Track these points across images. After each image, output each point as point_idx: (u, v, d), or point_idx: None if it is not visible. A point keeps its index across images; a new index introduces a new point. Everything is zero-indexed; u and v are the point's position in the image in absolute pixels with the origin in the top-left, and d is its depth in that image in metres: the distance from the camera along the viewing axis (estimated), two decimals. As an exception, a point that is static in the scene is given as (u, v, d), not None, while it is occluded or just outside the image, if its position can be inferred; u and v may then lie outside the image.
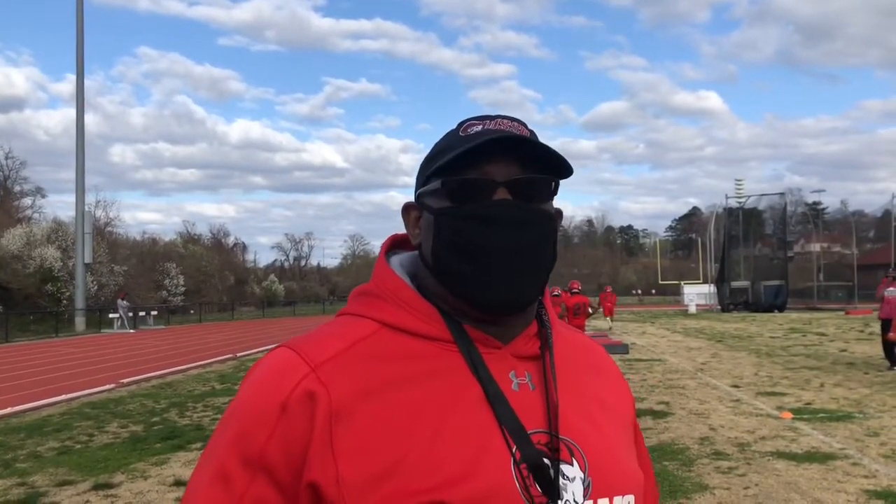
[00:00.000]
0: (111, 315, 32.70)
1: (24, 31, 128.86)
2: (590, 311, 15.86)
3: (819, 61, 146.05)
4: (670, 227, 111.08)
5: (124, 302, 33.44)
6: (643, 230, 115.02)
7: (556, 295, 16.44)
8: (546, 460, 0.84)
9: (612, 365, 1.05)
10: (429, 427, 0.82)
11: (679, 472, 6.29)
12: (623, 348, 18.06)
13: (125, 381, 13.46)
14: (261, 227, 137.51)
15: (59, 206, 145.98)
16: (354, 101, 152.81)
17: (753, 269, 46.42)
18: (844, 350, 17.44)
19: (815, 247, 57.04)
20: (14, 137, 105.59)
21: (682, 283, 61.34)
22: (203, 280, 56.09)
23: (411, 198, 0.98)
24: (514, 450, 0.83)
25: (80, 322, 33.02)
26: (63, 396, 11.45)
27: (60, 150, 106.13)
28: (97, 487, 6.20)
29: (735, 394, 10.80)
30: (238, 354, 19.10)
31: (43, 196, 64.76)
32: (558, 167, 0.91)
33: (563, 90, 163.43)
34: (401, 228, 1.01)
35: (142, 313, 35.78)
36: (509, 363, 0.89)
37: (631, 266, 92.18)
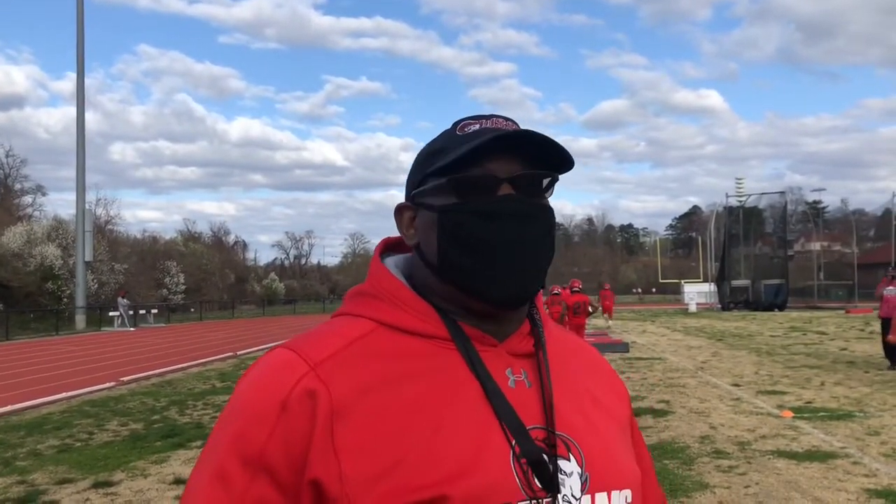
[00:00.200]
0: (111, 313, 32.73)
1: (25, 29, 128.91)
2: (590, 309, 15.86)
3: (820, 59, 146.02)
4: (671, 226, 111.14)
5: (125, 300, 33.45)
6: (643, 229, 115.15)
7: (556, 294, 16.45)
8: (545, 456, 0.85)
9: (606, 365, 1.07)
10: (428, 423, 0.83)
11: (679, 471, 6.29)
12: (623, 347, 18.06)
13: (125, 379, 13.47)
14: (261, 226, 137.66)
15: (60, 204, 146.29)
16: (355, 99, 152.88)
17: (754, 267, 46.39)
18: (845, 349, 17.44)
19: (816, 245, 57.01)
20: (14, 135, 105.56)
21: (683, 281, 61.34)
22: (203, 278, 56.09)
23: None
24: (513, 445, 0.84)
25: (80, 320, 33.02)
26: (63, 394, 11.45)
27: (61, 148, 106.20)
28: (97, 485, 6.20)
29: (735, 392, 10.79)
30: (238, 353, 19.10)
31: (43, 194, 64.70)
32: (558, 162, 0.93)
33: (563, 88, 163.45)
34: None
35: (142, 311, 35.80)
36: (505, 360, 0.91)
37: (631, 265, 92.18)
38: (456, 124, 0.95)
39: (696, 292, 50.97)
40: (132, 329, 31.54)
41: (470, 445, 0.82)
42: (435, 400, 0.85)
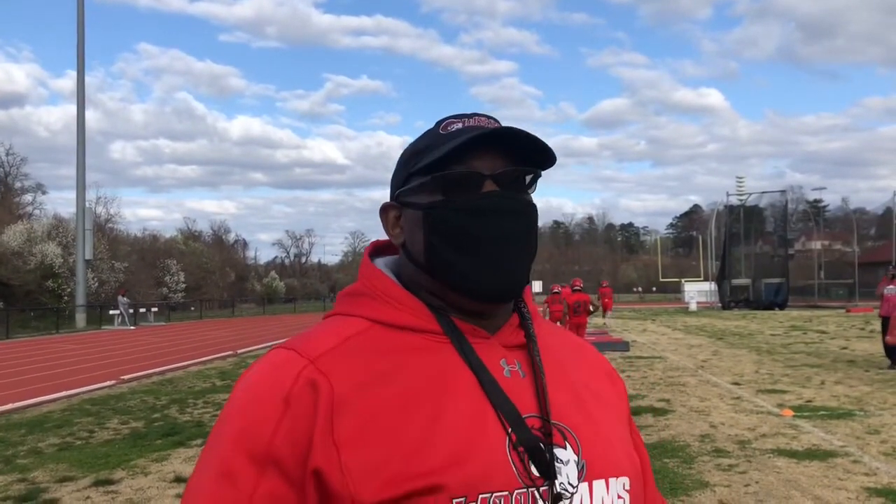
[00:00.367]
0: (112, 311, 32.74)
1: (25, 28, 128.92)
2: (591, 308, 15.85)
3: (820, 58, 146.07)
4: (671, 225, 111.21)
5: (125, 298, 33.44)
6: (644, 227, 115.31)
7: (556, 292, 16.46)
8: (541, 444, 0.86)
9: (601, 358, 1.08)
10: (425, 414, 0.84)
11: (679, 470, 6.29)
12: (624, 346, 18.06)
13: (126, 377, 13.47)
14: (261, 224, 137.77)
15: (60, 202, 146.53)
16: (355, 97, 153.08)
17: (754, 266, 46.41)
18: (845, 348, 17.43)
19: (816, 244, 57.01)
20: (15, 134, 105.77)
21: (683, 280, 61.37)
22: (204, 277, 56.08)
23: None
24: (509, 433, 0.85)
25: (80, 318, 33.04)
26: (63, 393, 11.46)
27: (61, 147, 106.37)
28: (98, 484, 6.20)
29: (736, 391, 10.80)
30: (238, 351, 19.11)
31: (43, 192, 64.70)
32: (541, 159, 0.95)
33: (564, 87, 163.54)
34: None
35: (142, 310, 35.80)
36: (499, 352, 0.92)
37: (631, 263, 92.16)
38: (439, 123, 0.96)
39: (697, 291, 51.02)
40: (132, 327, 31.54)
41: (466, 435, 0.83)
42: (431, 392, 0.85)
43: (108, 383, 12.66)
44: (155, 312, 36.77)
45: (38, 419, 9.32)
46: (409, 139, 1.00)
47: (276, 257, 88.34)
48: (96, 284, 37.65)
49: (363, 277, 0.98)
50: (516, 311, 0.99)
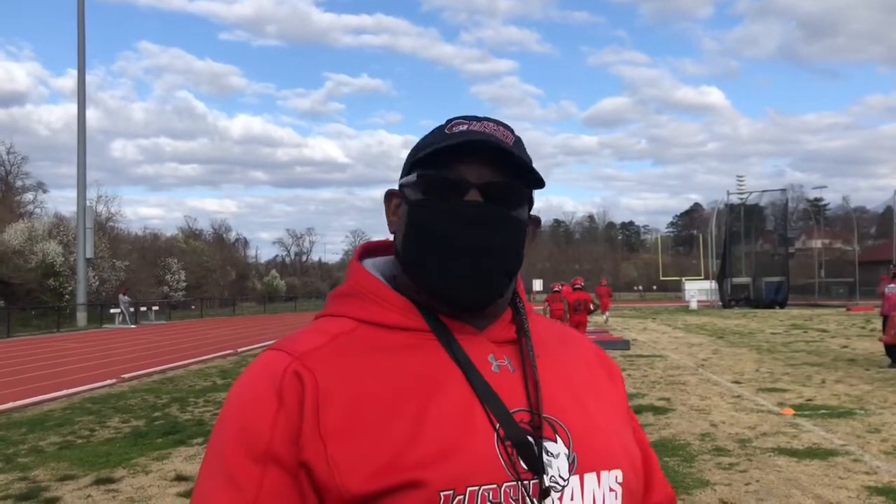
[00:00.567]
0: (112, 310, 32.72)
1: (26, 26, 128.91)
2: (591, 307, 15.85)
3: (821, 57, 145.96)
4: (671, 224, 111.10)
5: (126, 297, 33.44)
6: (644, 226, 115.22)
7: (556, 291, 16.44)
8: (529, 438, 0.86)
9: (594, 348, 1.08)
10: (412, 409, 0.84)
11: (680, 468, 6.29)
12: (624, 344, 18.06)
13: (126, 376, 13.47)
14: (262, 223, 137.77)
15: (61, 201, 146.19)
16: (355, 96, 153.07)
17: (754, 265, 46.39)
18: (846, 346, 17.43)
19: (817, 243, 57.04)
20: (15, 132, 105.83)
21: (684, 279, 61.34)
22: (204, 275, 56.09)
23: None
24: (497, 428, 0.85)
25: (81, 317, 33.05)
26: (64, 391, 11.46)
27: (62, 146, 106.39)
28: (98, 482, 6.21)
29: (736, 390, 10.79)
30: (239, 350, 19.11)
31: (44, 191, 64.88)
32: (532, 177, 0.94)
33: (564, 86, 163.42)
34: None
35: (143, 308, 35.77)
36: (487, 347, 0.92)
37: (632, 262, 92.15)
38: (448, 122, 0.97)
39: (697, 290, 51.00)
40: (133, 326, 31.55)
41: (454, 430, 0.83)
42: (418, 388, 0.86)
43: (108, 382, 12.66)
44: (156, 311, 36.78)
45: (38, 418, 9.33)
46: (410, 138, 1.02)
47: (276, 256, 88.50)
48: (97, 283, 37.67)
49: (350, 278, 0.99)
50: (511, 305, 0.99)
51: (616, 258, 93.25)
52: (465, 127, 0.94)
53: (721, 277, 46.30)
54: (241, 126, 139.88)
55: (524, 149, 0.97)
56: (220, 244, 69.06)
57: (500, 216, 0.91)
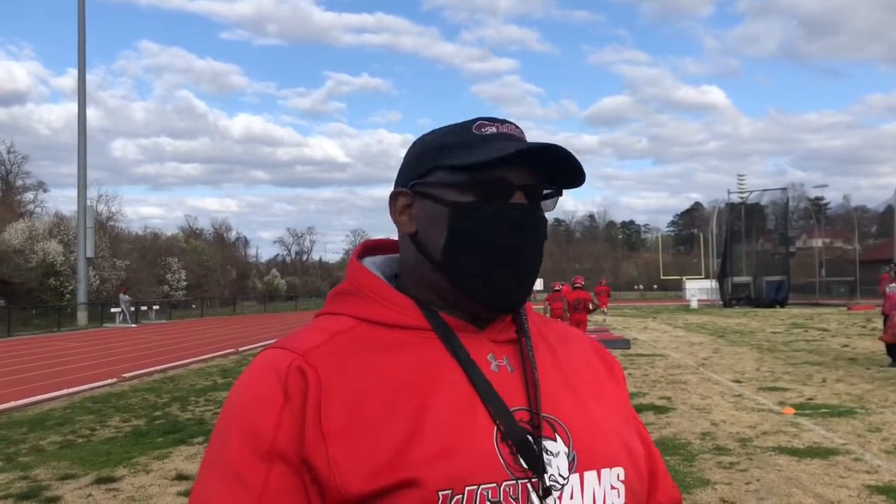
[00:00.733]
0: (113, 309, 32.73)
1: (26, 26, 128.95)
2: (590, 306, 15.86)
3: (822, 56, 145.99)
4: (672, 223, 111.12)
5: (126, 296, 33.46)
6: (645, 225, 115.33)
7: (557, 290, 16.44)
8: (529, 437, 0.86)
9: (594, 345, 1.08)
10: (412, 408, 0.84)
11: (681, 468, 6.29)
12: (625, 343, 18.06)
13: (127, 375, 13.47)
14: (262, 222, 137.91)
15: (61, 200, 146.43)
16: (356, 95, 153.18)
17: (755, 264, 46.40)
18: (846, 346, 17.42)
19: (817, 242, 57.06)
20: (16, 132, 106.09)
21: (684, 278, 61.35)
22: (205, 275, 56.10)
23: None
24: (497, 426, 0.85)
25: (82, 316, 33.06)
26: (65, 390, 11.46)
27: (62, 145, 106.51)
28: (99, 481, 6.21)
29: (737, 389, 10.79)
30: (240, 349, 19.12)
31: (45, 190, 64.84)
32: (566, 179, 0.95)
33: (565, 85, 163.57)
34: None
35: (144, 308, 35.80)
36: (487, 347, 0.92)
37: (632, 261, 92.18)
38: (472, 122, 0.95)
39: (698, 289, 51.04)
40: (134, 325, 31.58)
41: (453, 429, 0.83)
42: (417, 386, 0.86)
43: (109, 381, 12.66)
44: (156, 310, 36.82)
45: (39, 417, 9.33)
46: (410, 137, 1.00)
47: (277, 255, 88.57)
48: (98, 282, 37.69)
49: (349, 277, 0.99)
50: None
51: (617, 257, 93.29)
52: (493, 129, 0.94)
53: (722, 276, 46.31)
54: (241, 125, 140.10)
55: None
56: (221, 243, 69.07)
57: (540, 218, 0.94)
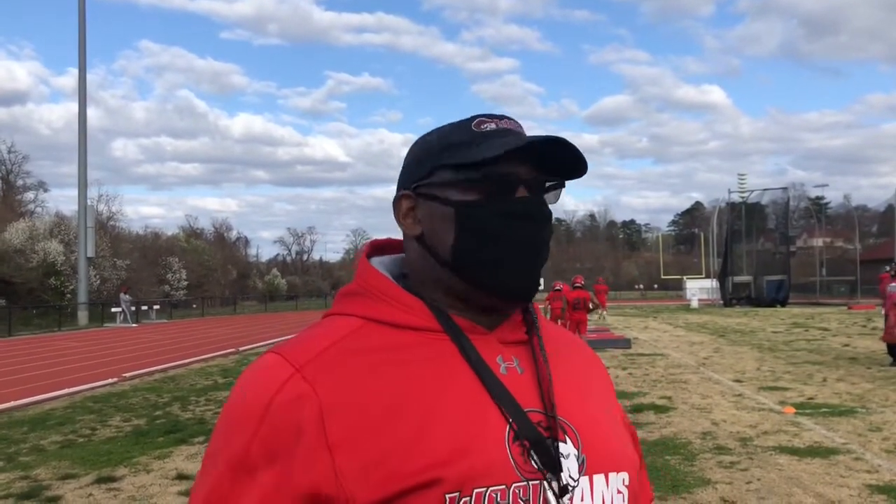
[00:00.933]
0: (114, 309, 32.73)
1: (27, 26, 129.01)
2: (590, 306, 15.86)
3: (822, 55, 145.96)
4: (673, 222, 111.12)
5: (127, 296, 33.44)
6: (645, 225, 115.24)
7: (557, 289, 16.45)
8: (544, 438, 0.86)
9: (594, 354, 1.10)
10: (421, 409, 0.83)
11: (681, 467, 6.29)
12: (625, 343, 18.05)
13: (128, 374, 13.48)
14: (263, 222, 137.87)
15: (62, 200, 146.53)
16: (356, 95, 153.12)
17: (756, 263, 46.36)
18: (847, 345, 17.42)
19: (818, 241, 57.06)
20: (16, 131, 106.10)
21: (685, 277, 61.33)
22: (205, 274, 56.11)
23: None
24: (511, 426, 0.85)
25: (82, 316, 33.05)
26: (66, 390, 11.47)
27: (62, 145, 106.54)
28: (100, 481, 6.21)
29: (737, 388, 10.79)
30: (240, 348, 19.13)
31: (45, 190, 64.87)
32: (567, 171, 0.96)
33: (565, 84, 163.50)
34: None
35: (144, 307, 35.81)
36: (496, 349, 0.92)
37: (633, 261, 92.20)
38: (471, 119, 0.95)
39: (698, 288, 51.05)
40: (134, 325, 31.58)
41: (465, 429, 0.83)
42: (427, 387, 0.85)
43: (110, 381, 12.67)
44: (157, 310, 36.81)
45: (40, 416, 9.34)
46: (411, 136, 1.00)
47: (277, 255, 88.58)
48: (98, 282, 37.68)
49: (359, 277, 0.98)
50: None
51: (617, 257, 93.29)
52: (493, 125, 0.94)
53: (722, 276, 46.27)
54: (241, 125, 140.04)
55: None
56: (221, 243, 69.08)
57: (548, 210, 0.95)
